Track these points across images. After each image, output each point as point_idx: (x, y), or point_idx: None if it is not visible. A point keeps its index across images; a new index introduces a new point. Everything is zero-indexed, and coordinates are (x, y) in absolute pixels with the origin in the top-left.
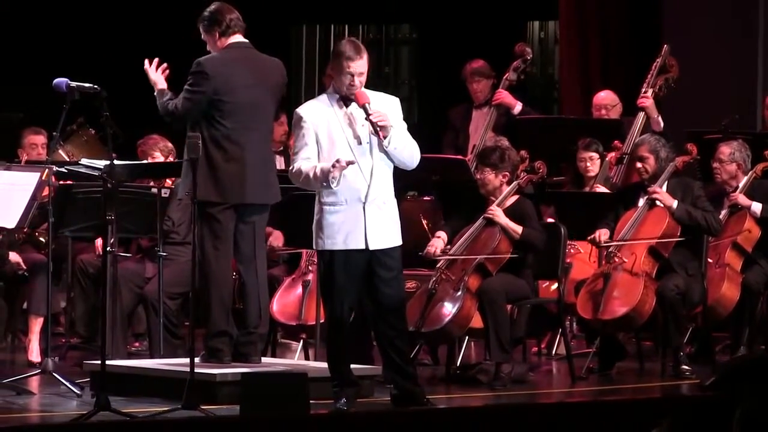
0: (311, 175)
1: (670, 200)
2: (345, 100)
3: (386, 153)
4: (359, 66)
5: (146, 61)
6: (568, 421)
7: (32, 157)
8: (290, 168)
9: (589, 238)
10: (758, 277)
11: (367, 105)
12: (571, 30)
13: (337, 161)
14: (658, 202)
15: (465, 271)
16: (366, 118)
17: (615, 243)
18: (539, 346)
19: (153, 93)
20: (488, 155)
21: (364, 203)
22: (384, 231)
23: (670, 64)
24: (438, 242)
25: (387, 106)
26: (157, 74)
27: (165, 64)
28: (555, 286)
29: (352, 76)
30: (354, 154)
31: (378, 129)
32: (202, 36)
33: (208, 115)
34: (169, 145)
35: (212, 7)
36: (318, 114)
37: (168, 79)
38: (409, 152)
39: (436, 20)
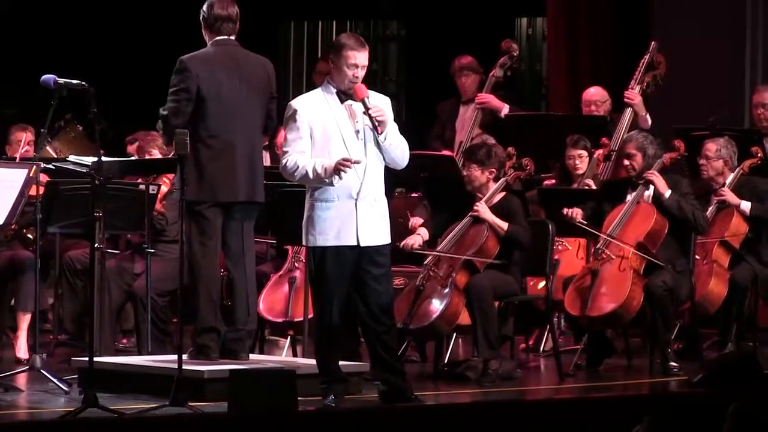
0: (310, 171)
1: (665, 187)
2: (342, 96)
3: (380, 149)
4: (363, 57)
5: None
6: (556, 417)
7: (21, 154)
8: (282, 161)
9: (564, 210)
10: (745, 273)
11: (366, 99)
12: (559, 26)
13: (345, 160)
14: (651, 187)
15: (453, 267)
16: (364, 112)
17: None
18: (527, 343)
19: (142, 89)
20: (475, 152)
21: (356, 200)
22: (375, 228)
23: (658, 61)
24: (417, 238)
25: (380, 104)
26: None
27: None
28: (543, 283)
29: (357, 67)
30: (348, 150)
31: (376, 123)
32: None
33: (193, 114)
34: None
35: (208, 1)
36: (313, 107)
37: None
38: (401, 150)
39: (424, 17)
